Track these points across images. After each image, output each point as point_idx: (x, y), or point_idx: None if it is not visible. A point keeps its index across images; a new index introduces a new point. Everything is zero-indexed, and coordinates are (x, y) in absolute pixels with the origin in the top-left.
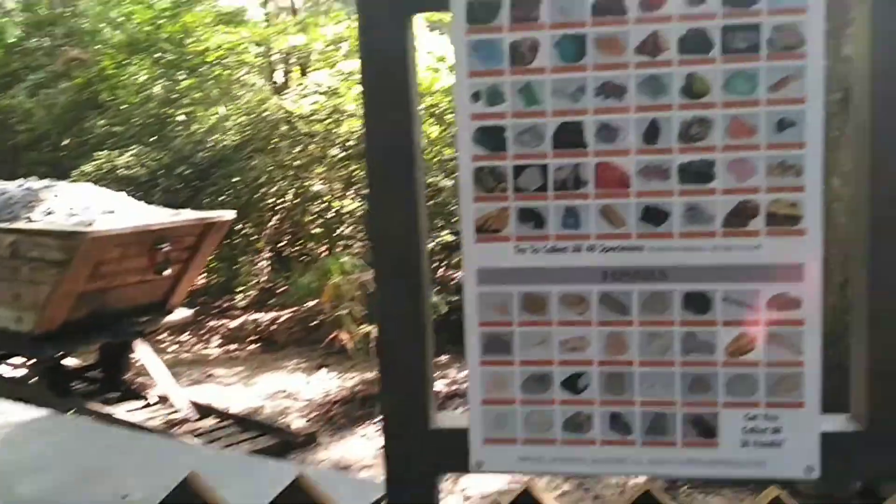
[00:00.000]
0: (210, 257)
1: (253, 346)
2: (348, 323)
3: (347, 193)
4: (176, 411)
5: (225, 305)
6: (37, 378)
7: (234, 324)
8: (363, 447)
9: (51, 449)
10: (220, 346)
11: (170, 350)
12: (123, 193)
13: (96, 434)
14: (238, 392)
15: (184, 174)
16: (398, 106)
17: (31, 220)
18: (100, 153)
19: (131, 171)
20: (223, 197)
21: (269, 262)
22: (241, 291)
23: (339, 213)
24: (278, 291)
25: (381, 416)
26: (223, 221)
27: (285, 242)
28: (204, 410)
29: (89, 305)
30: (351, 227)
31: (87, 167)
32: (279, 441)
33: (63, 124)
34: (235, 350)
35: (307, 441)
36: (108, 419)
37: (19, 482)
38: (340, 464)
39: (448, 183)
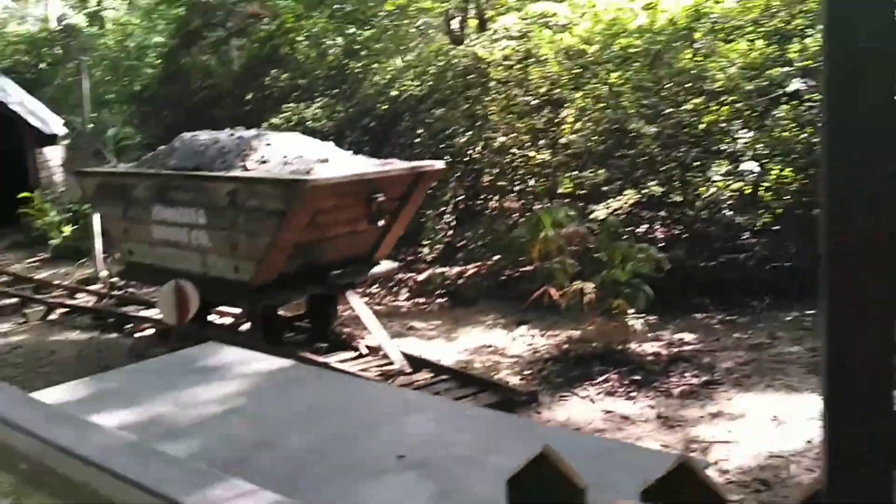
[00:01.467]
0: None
1: (441, 300)
2: (561, 278)
3: (538, 143)
4: (389, 363)
5: (410, 259)
6: (250, 327)
7: (421, 277)
8: (587, 409)
9: (315, 401)
10: (407, 299)
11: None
12: (331, 143)
13: (354, 386)
14: (441, 346)
15: (368, 126)
16: None
17: (246, 169)
18: (288, 105)
19: (319, 123)
20: (407, 150)
21: (455, 216)
22: (427, 245)
23: (529, 165)
24: (463, 246)
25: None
26: (435, 170)
27: (472, 195)
28: (417, 363)
29: (303, 256)
30: (543, 179)
31: (275, 120)
32: (501, 399)
33: (244, 80)
34: (424, 304)
35: (529, 399)
36: (325, 369)
37: (288, 435)
38: (568, 425)
39: None
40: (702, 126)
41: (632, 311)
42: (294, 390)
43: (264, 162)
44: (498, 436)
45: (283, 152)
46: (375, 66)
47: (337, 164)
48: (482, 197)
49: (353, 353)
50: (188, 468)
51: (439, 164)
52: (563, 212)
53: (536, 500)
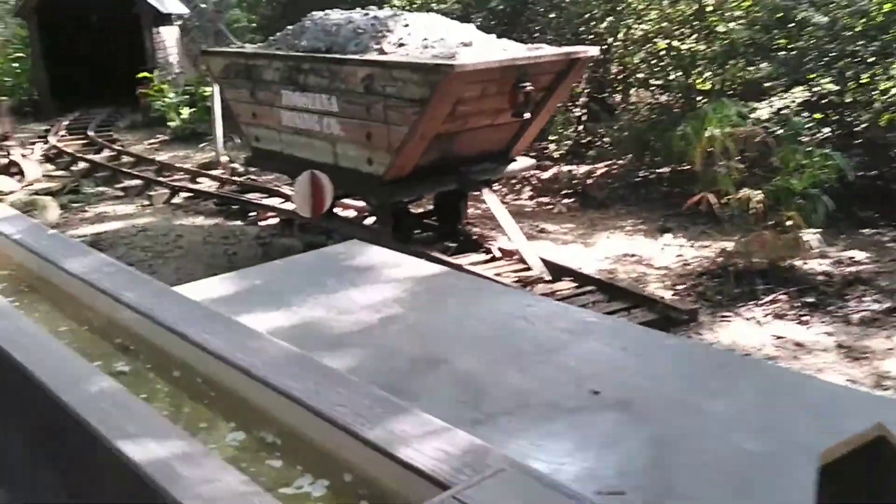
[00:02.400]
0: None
1: (568, 201)
2: (725, 184)
3: (682, 31)
4: (526, 269)
5: (533, 154)
6: (377, 222)
7: (546, 175)
8: (754, 332)
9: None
10: (531, 198)
11: (482, 198)
12: (472, 25)
13: (518, 300)
14: (579, 252)
15: (496, 9)
16: None
17: (383, 53)
18: None
19: (444, 4)
20: (539, 36)
21: (586, 110)
22: (554, 141)
23: (675, 56)
24: (591, 142)
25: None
26: (587, 57)
27: (605, 88)
28: (557, 270)
29: (438, 150)
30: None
31: (397, 1)
32: (657, 316)
33: None
34: (549, 204)
35: (689, 318)
36: (456, 270)
37: (456, 353)
38: (734, 350)
39: None
40: (880, 19)
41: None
42: (453, 300)
43: (402, 45)
44: (703, 371)
45: (423, 34)
46: None
47: (482, 48)
48: (617, 90)
49: (484, 256)
50: (365, 392)
51: (593, 50)
52: (733, 108)
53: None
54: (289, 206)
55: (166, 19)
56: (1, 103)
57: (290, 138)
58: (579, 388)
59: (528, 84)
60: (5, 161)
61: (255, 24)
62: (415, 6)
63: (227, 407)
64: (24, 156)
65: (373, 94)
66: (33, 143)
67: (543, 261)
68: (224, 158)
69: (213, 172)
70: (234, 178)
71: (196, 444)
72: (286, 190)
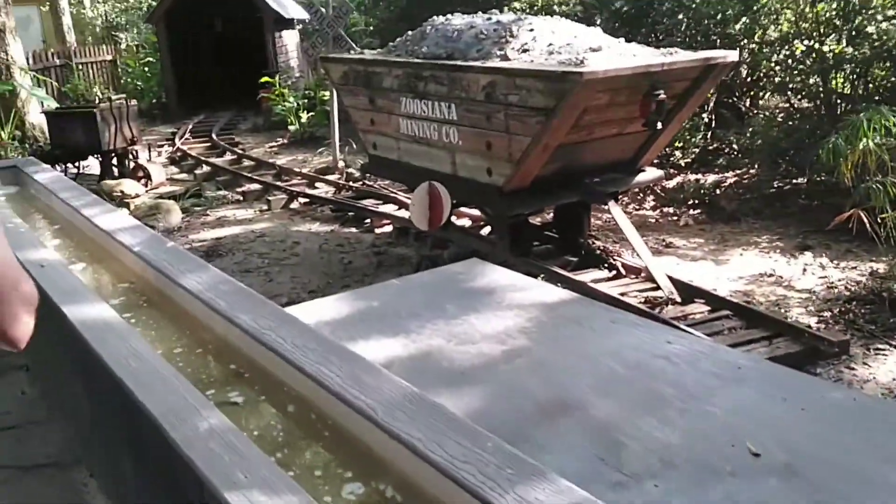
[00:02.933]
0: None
1: (694, 212)
2: (880, 201)
3: (824, 32)
4: (654, 288)
5: (655, 162)
6: (494, 234)
7: (671, 184)
8: None
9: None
10: (654, 208)
11: (603, 209)
12: (598, 28)
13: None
14: (710, 270)
15: (620, 10)
16: None
17: (506, 59)
18: None
19: (566, 6)
20: (667, 38)
21: (714, 115)
22: (680, 148)
23: (817, 60)
24: (720, 150)
25: None
26: (727, 63)
27: (735, 93)
28: (688, 290)
29: (562, 160)
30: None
31: (517, 3)
32: (803, 348)
33: None
34: (674, 215)
35: (840, 351)
36: (579, 288)
37: (589, 397)
38: (894, 391)
39: None
40: None
41: None
42: (584, 333)
43: (526, 50)
44: (880, 432)
45: (548, 40)
46: None
47: (611, 54)
48: (749, 94)
49: (608, 272)
50: (493, 448)
51: (732, 55)
52: (892, 118)
53: None
54: (404, 213)
55: (288, 24)
56: (130, 108)
57: (408, 146)
58: (734, 446)
59: (661, 92)
60: (133, 165)
61: (371, 28)
62: (535, 8)
63: (342, 451)
64: (150, 160)
65: (494, 103)
66: (161, 146)
67: (672, 279)
68: (341, 164)
69: (330, 178)
70: (350, 183)
71: (310, 501)
72: (401, 197)
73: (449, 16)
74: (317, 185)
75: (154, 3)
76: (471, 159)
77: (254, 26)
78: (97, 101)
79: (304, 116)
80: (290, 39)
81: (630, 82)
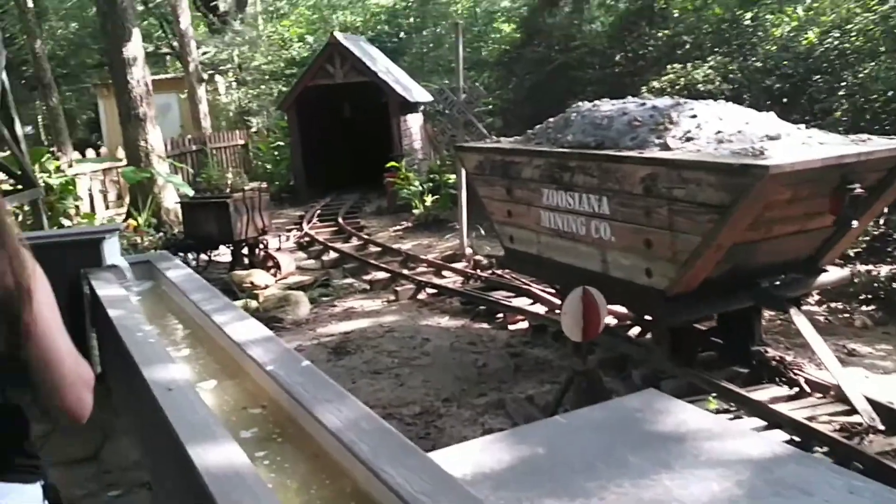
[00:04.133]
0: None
1: (867, 308)
2: None
3: None
4: (849, 411)
5: None
6: (652, 338)
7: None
8: None
9: None
10: (819, 302)
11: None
12: (772, 113)
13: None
14: None
15: (772, 88)
16: None
17: (667, 148)
18: (672, 67)
19: (711, 85)
20: (825, 117)
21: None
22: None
23: None
24: None
25: None
26: None
27: None
28: (891, 416)
29: (734, 261)
30: None
31: (656, 83)
32: None
33: (615, 39)
34: (844, 312)
35: None
36: (757, 409)
37: None
38: None
39: None
40: None
41: None
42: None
43: (690, 139)
44: None
45: (716, 126)
46: (770, 16)
47: (793, 142)
48: None
49: (788, 389)
50: None
51: None
52: None
53: None
54: (539, 308)
55: (413, 108)
56: (262, 197)
57: (551, 241)
58: None
59: (856, 185)
60: (263, 254)
61: (493, 107)
62: (677, 87)
63: None
64: (279, 248)
65: (655, 197)
66: (289, 230)
67: (870, 401)
68: (468, 250)
69: (458, 265)
70: (478, 272)
71: None
72: (535, 289)
73: (597, 102)
74: (444, 273)
75: (284, 90)
76: (625, 258)
77: (379, 110)
78: (228, 189)
79: (429, 200)
80: (414, 122)
81: (819, 175)
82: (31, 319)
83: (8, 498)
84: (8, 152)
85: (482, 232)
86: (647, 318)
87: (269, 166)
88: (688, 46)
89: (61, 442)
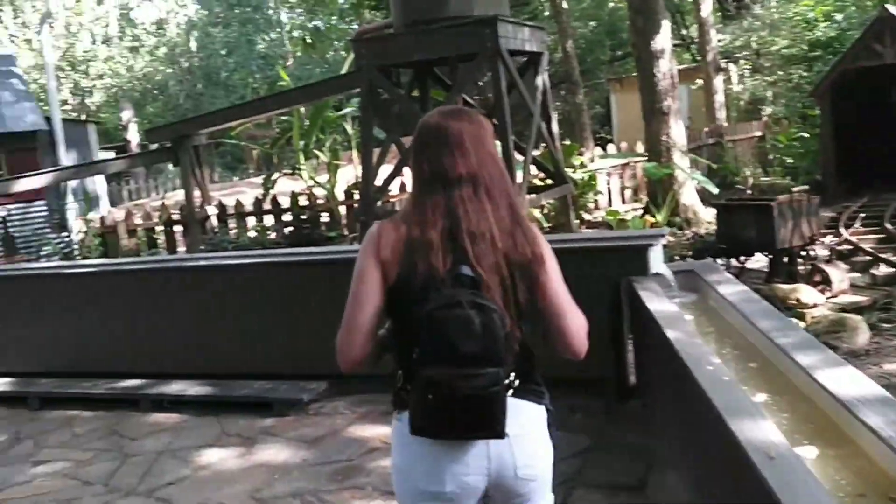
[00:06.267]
0: None
1: None
2: None
3: None
4: None
5: None
6: None
7: None
8: None
9: None
10: None
11: None
12: None
13: None
14: None
15: None
16: None
17: None
18: None
19: None
20: None
21: None
22: None
23: None
24: None
25: None
26: None
27: None
28: None
29: None
30: None
31: None
32: None
33: None
34: None
35: None
36: None
37: None
38: None
39: None
40: None
41: None
42: None
43: None
44: None
45: None
46: None
47: None
48: None
49: None
50: None
51: None
52: None
53: None
54: None
55: None
56: (812, 202)
57: None
58: None
59: None
60: (809, 267)
61: None
62: None
63: None
64: (829, 261)
65: None
66: (823, 235)
67: None
68: None
69: None
70: None
71: None
72: None
73: None
74: None
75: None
76: None
77: None
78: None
79: None
80: None
81: None
82: (546, 279)
83: (524, 410)
84: (543, 149)
85: None
86: None
87: (790, 160)
88: None
89: (604, 458)
